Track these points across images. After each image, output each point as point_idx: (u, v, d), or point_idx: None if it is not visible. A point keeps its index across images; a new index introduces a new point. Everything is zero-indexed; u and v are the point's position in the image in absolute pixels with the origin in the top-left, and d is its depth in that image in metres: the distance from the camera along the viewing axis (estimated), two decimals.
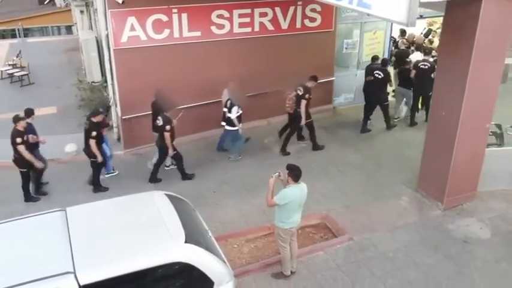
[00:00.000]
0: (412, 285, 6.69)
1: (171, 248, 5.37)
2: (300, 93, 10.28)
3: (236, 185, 9.38)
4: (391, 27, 13.19)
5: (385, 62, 11.53)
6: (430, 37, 14.92)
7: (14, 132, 8.55)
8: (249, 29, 11.14)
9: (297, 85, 10.40)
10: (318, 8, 11.69)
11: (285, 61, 11.45)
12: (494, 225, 7.88)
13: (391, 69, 12.98)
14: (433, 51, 12.26)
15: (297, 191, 6.32)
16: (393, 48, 14.07)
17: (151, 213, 5.86)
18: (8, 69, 16.58)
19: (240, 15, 10.96)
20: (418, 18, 6.43)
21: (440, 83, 8.03)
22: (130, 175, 9.72)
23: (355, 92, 13.12)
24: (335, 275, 6.88)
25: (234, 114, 9.97)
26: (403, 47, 13.90)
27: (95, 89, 13.33)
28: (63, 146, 10.59)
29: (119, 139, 11.35)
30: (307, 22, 11.74)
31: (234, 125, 10.07)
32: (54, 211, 5.89)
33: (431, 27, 15.28)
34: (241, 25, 11.03)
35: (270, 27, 11.35)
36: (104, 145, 9.32)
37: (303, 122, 10.41)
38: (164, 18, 10.23)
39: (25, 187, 8.97)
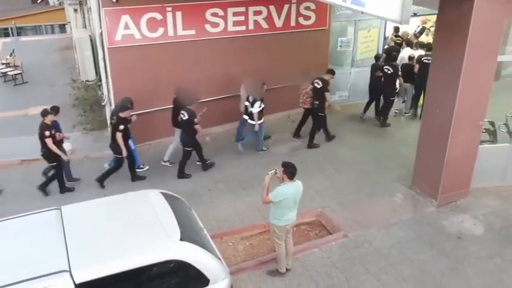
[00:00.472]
0: (407, 281, 6.73)
1: (167, 246, 5.37)
2: (319, 86, 10.43)
3: (231, 183, 9.39)
4: (385, 25, 13.24)
5: (378, 58, 11.77)
6: (423, 35, 15.02)
7: (43, 126, 8.67)
8: (243, 27, 11.16)
9: (311, 78, 10.62)
10: (312, 6, 11.73)
11: (279, 59, 11.48)
12: (487, 222, 7.94)
13: None
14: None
15: (292, 189, 6.34)
16: (387, 45, 14.13)
17: (146, 211, 5.86)
18: (2, 68, 16.51)
19: (235, 14, 10.98)
20: (411, 16, 6.48)
21: (434, 81, 8.07)
22: (126, 174, 9.70)
23: (349, 90, 13.18)
24: (330, 272, 6.91)
25: (256, 108, 10.09)
26: (392, 44, 13.98)
27: (89, 88, 13.29)
28: None
29: None
30: (301, 20, 11.77)
31: (256, 119, 10.21)
32: (49, 210, 5.87)
33: (425, 25, 15.35)
34: (235, 23, 11.05)
35: (265, 25, 11.37)
36: (129, 141, 9.43)
37: (325, 112, 10.70)
38: (158, 16, 10.23)
39: (60, 179, 9.13)
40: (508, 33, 9.27)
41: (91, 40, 11.43)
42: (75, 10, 16.73)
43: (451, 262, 7.08)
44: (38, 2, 30.31)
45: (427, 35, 14.90)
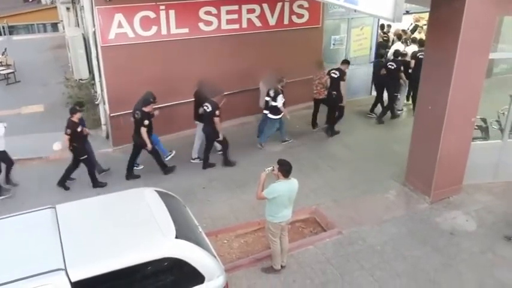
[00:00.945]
0: (400, 277, 6.79)
1: (162, 244, 5.38)
2: (336, 76, 10.78)
3: (226, 181, 9.41)
4: (378, 23, 13.29)
5: (381, 55, 12.13)
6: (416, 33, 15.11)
7: (70, 123, 8.87)
8: (237, 26, 11.17)
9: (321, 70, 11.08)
10: (306, 4, 11.77)
11: (272, 57, 11.48)
12: (479, 218, 8.02)
13: None
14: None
15: (286, 186, 6.37)
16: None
17: (141, 209, 5.87)
18: None
19: (228, 12, 10.98)
20: (404, 14, 6.52)
21: (426, 78, 8.13)
22: (120, 172, 9.69)
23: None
24: (324, 269, 6.95)
25: (280, 102, 10.19)
26: (380, 40, 14.10)
27: (82, 87, 13.25)
28: (50, 144, 10.53)
29: (107, 137, 11.31)
30: (294, 18, 11.80)
31: (278, 113, 10.30)
32: (44, 208, 5.88)
33: (417, 23, 15.43)
34: (229, 22, 11.05)
35: (258, 23, 11.39)
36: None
37: (344, 102, 11.04)
38: (152, 15, 10.21)
39: (92, 173, 9.31)
40: (500, 30, 9.38)
41: (84, 39, 11.39)
42: (68, 9, 16.65)
43: (444, 258, 7.15)
44: (30, 0, 30.12)
45: (419, 32, 14.97)
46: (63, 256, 5.04)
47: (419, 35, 14.65)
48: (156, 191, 6.39)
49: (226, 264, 6.49)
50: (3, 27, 25.26)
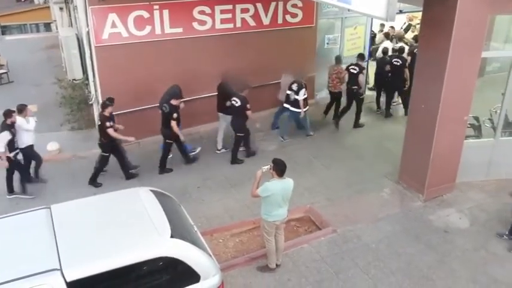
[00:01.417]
0: (395, 274, 6.84)
1: (157, 243, 5.39)
2: (356, 72, 11.13)
3: (220, 180, 9.43)
4: (372, 22, 13.34)
5: (385, 53, 12.27)
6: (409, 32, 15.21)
7: (103, 118, 9.01)
8: (231, 25, 11.17)
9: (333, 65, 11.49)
10: (299, 4, 11.79)
11: (266, 57, 11.51)
12: (472, 215, 8.09)
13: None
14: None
15: (279, 185, 6.38)
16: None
17: (136, 209, 5.88)
18: None
19: (222, 11, 10.98)
20: (397, 13, 6.56)
21: (419, 77, 8.18)
22: (115, 172, 9.67)
23: None
24: (319, 267, 6.99)
25: (301, 96, 10.42)
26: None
27: (76, 87, 13.20)
28: (44, 144, 10.48)
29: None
30: (288, 18, 11.82)
31: (299, 107, 10.51)
32: (39, 209, 5.87)
33: (411, 22, 15.50)
34: (223, 21, 11.06)
35: (252, 23, 11.40)
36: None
37: (364, 93, 11.70)
38: (145, 14, 10.20)
39: (124, 168, 9.51)
40: (492, 29, 9.46)
41: (78, 39, 11.36)
42: (61, 8, 16.59)
43: (437, 255, 7.20)
44: (23, 0, 29.95)
45: (412, 32, 15.06)
46: (58, 256, 5.03)
47: (412, 34, 14.78)
48: (151, 190, 6.39)
49: (221, 263, 6.50)
50: None
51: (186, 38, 10.74)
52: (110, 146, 9.24)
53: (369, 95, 13.02)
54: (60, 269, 4.89)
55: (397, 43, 13.54)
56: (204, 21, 10.85)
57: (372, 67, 13.34)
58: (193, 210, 7.45)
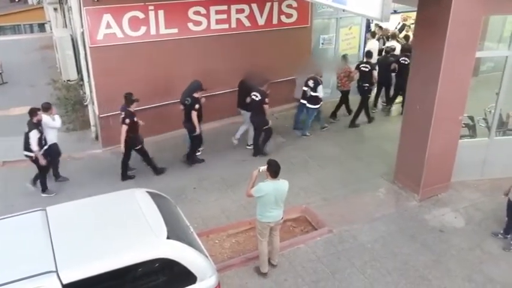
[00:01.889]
0: (391, 274, 6.86)
1: (154, 244, 5.39)
2: (367, 70, 11.37)
3: (216, 181, 9.42)
4: (366, 22, 13.38)
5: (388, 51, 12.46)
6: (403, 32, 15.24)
7: (128, 113, 9.14)
8: (226, 26, 11.17)
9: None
10: (294, 4, 11.80)
11: (261, 57, 11.50)
12: (468, 214, 8.12)
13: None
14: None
15: (272, 187, 6.37)
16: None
17: (132, 210, 5.87)
18: None
19: (217, 12, 10.98)
20: (392, 13, 6.58)
21: (414, 77, 8.20)
22: (111, 173, 9.66)
23: (332, 87, 13.25)
24: (316, 267, 7.00)
25: (321, 92, 10.72)
26: None
27: (71, 88, 13.16)
28: None
29: (96, 138, 11.25)
30: (283, 18, 11.83)
31: (317, 103, 10.70)
32: (34, 211, 5.85)
33: (405, 22, 15.53)
34: (218, 22, 11.06)
35: (247, 23, 11.40)
36: None
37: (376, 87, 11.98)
38: (140, 15, 10.18)
39: (150, 162, 9.66)
40: (486, 29, 9.50)
41: (72, 39, 11.32)
42: (55, 9, 16.50)
43: (433, 255, 7.23)
44: (17, 0, 29.82)
45: (407, 32, 15.09)
46: (54, 258, 5.02)
47: (405, 33, 14.82)
48: (147, 191, 6.39)
49: (218, 264, 6.51)
50: None
51: (181, 38, 10.72)
52: (137, 139, 9.37)
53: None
54: (56, 271, 4.87)
55: (384, 43, 13.56)
56: (199, 22, 10.85)
57: None
58: (189, 211, 7.44)
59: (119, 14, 9.97)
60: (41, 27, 26.59)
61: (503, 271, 6.91)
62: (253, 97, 10.02)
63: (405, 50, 12.07)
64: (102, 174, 9.76)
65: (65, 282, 4.83)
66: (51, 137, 9.16)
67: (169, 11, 10.42)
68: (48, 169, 9.25)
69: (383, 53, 12.99)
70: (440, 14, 7.31)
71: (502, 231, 7.52)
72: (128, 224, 5.68)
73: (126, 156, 9.50)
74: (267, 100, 9.91)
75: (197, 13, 10.76)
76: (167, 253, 5.34)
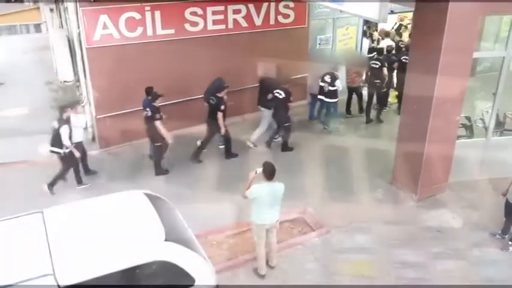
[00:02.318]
0: (390, 274, 6.85)
1: (152, 247, 5.37)
2: (378, 66, 11.49)
3: (214, 182, 9.38)
4: (363, 23, 13.40)
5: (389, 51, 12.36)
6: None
7: (154, 109, 9.25)
8: (223, 26, 11.15)
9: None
10: (291, 5, 11.80)
11: (259, 58, 11.46)
12: (465, 215, 8.13)
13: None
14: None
15: (266, 189, 6.35)
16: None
17: (130, 212, 5.85)
18: None
19: (214, 13, 10.96)
20: (389, 13, 6.58)
21: (411, 77, 8.21)
22: (108, 174, 9.62)
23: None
24: (314, 268, 6.99)
25: (339, 85, 10.97)
26: None
27: (67, 89, 13.10)
28: (35, 147, 10.38)
29: (93, 139, 11.20)
30: (280, 18, 11.82)
31: (335, 97, 10.96)
32: (31, 213, 5.80)
33: (402, 23, 15.55)
34: (215, 22, 11.04)
35: (244, 24, 11.39)
36: None
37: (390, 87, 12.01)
38: (137, 16, 10.15)
39: (158, 160, 9.68)
40: (483, 30, 9.52)
41: (68, 40, 11.29)
42: (51, 10, 16.48)
43: (431, 255, 7.22)
44: (13, 1, 29.72)
45: (403, 32, 15.11)
46: (51, 261, 4.99)
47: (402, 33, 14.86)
48: (144, 193, 6.34)
49: (216, 266, 6.48)
50: None
51: (178, 39, 10.70)
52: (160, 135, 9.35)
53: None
54: (54, 274, 4.85)
55: (378, 43, 13.58)
56: (196, 23, 10.82)
57: None
58: (187, 213, 7.38)
59: (115, 14, 9.93)
60: (37, 27, 26.54)
61: (501, 271, 6.93)
62: (277, 95, 10.13)
63: (399, 49, 12.13)
64: (101, 175, 9.71)
65: (62, 285, 4.81)
66: (76, 136, 9.21)
67: (165, 11, 10.39)
68: (77, 164, 9.30)
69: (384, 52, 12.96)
70: (437, 14, 7.31)
71: (500, 232, 7.54)
72: (125, 226, 5.64)
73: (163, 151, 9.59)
74: (291, 98, 10.11)
75: (194, 14, 10.74)
76: (165, 255, 5.32)
